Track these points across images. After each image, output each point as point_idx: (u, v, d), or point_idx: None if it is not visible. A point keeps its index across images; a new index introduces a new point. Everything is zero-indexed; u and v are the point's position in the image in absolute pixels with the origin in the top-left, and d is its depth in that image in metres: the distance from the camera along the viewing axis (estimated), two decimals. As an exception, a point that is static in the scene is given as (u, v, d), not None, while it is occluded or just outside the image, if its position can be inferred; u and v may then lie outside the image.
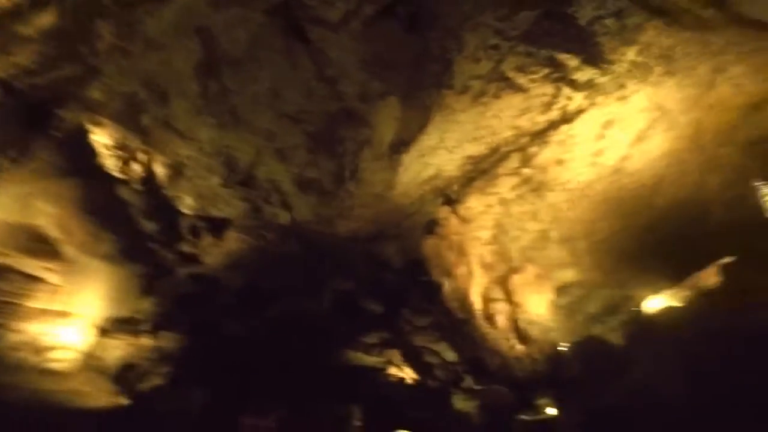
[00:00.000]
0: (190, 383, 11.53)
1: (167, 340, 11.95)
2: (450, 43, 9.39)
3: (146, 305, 11.39)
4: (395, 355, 11.91)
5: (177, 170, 10.84)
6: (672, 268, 12.92)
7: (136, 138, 10.03)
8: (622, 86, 10.04)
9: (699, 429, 6.87)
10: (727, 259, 10.47)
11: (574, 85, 10.06)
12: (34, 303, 9.44)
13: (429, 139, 11.37)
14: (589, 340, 12.53)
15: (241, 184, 11.70)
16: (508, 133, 11.44)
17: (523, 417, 11.80)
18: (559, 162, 11.67)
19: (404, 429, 11.16)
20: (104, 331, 10.44)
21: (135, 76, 8.97)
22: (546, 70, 9.85)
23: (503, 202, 12.49)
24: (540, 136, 11.36)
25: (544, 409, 12.16)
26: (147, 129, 9.90)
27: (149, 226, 11.14)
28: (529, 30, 8.91)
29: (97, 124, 9.50)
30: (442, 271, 12.85)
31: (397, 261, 13.74)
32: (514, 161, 11.80)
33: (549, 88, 10.29)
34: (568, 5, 8.16)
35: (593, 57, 9.10)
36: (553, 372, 12.65)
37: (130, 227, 10.74)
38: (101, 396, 10.06)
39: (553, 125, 11.11)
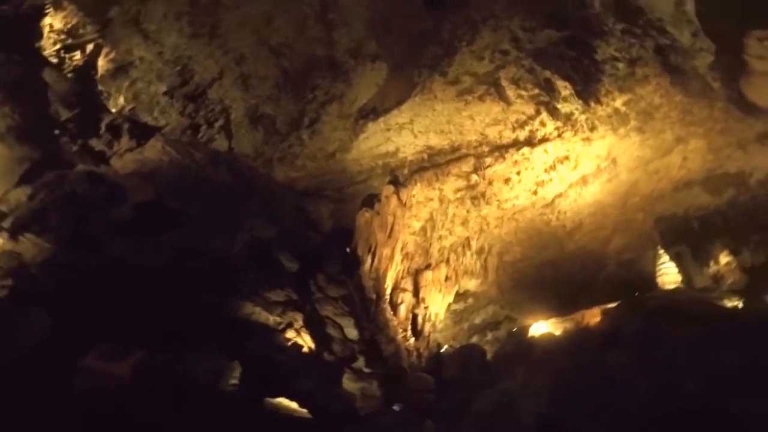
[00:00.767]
0: (32, 306, 9.24)
1: (27, 247, 9.72)
2: (464, 33, 9.03)
3: (18, 196, 9.23)
4: (297, 319, 11.13)
5: (122, 69, 9.67)
6: (557, 303, 14.12)
7: (93, 28, 8.55)
8: (593, 128, 10.47)
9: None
10: (611, 305, 11.50)
11: (554, 114, 10.28)
12: None
13: (400, 116, 10.90)
14: (472, 348, 13.06)
15: (187, 98, 10.32)
16: (473, 137, 11.39)
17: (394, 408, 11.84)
18: (507, 180, 11.91)
19: (286, 398, 10.25)
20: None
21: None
22: (536, 91, 9.92)
23: (443, 200, 12.46)
24: (500, 150, 11.47)
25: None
26: (110, 22, 8.52)
27: (63, 113, 9.36)
28: (544, 48, 8.88)
29: (58, 6, 7.76)
30: (367, 247, 12.47)
31: (327, 224, 13.10)
32: (468, 165, 11.78)
33: (531, 109, 10.41)
34: (596, 37, 8.22)
35: (588, 93, 9.34)
36: (434, 370, 12.95)
37: (38, 110, 8.95)
38: None
39: (516, 144, 11.28)
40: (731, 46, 7.91)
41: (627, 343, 7.62)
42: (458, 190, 12.24)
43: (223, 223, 11.94)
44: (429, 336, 13.66)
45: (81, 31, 9.29)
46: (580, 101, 9.58)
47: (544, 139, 11.04)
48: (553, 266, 14.02)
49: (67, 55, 9.59)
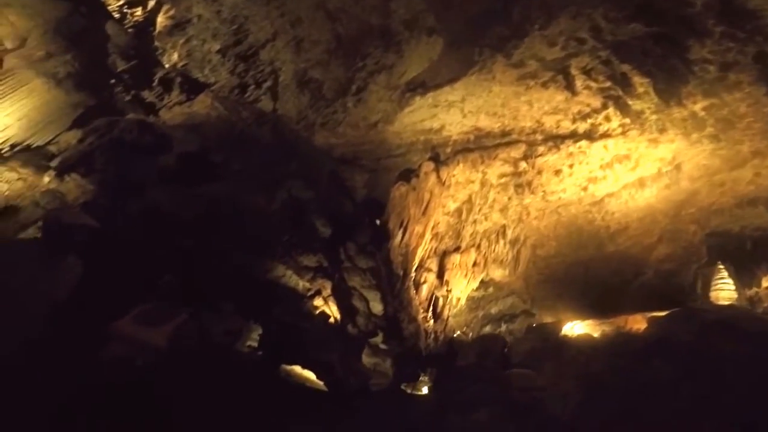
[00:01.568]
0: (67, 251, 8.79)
1: (71, 187, 9.59)
2: (538, 16, 7.95)
3: (68, 139, 9.04)
4: (326, 287, 10.74)
5: (180, 26, 9.51)
6: (583, 304, 13.38)
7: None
8: (663, 130, 9.40)
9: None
10: (658, 313, 10.78)
11: (623, 109, 9.21)
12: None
13: (452, 93, 9.99)
14: (495, 338, 12.57)
15: (239, 57, 9.82)
16: (528, 123, 10.42)
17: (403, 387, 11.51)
18: (557, 172, 10.99)
19: (303, 368, 9.93)
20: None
21: None
22: (608, 83, 8.85)
23: (485, 183, 11.65)
24: (555, 140, 10.49)
25: (423, 386, 12.02)
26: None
27: (120, 64, 9.32)
28: (627, 41, 7.77)
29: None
30: (399, 221, 11.88)
31: (360, 194, 12.50)
32: (517, 151, 10.86)
33: (597, 101, 9.35)
34: (690, 36, 7.10)
35: (668, 93, 8.24)
36: (448, 355, 12.58)
37: (97, 60, 8.87)
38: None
39: (575, 136, 10.27)
40: None
41: (675, 352, 7.06)
42: (503, 175, 11.40)
43: (263, 181, 11.50)
44: (447, 320, 13.24)
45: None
46: (658, 100, 8.49)
47: (606, 135, 10.01)
48: (586, 266, 13.20)
49: (129, 11, 9.71)
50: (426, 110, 10.50)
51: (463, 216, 12.33)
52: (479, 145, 11.18)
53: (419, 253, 12.34)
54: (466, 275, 12.83)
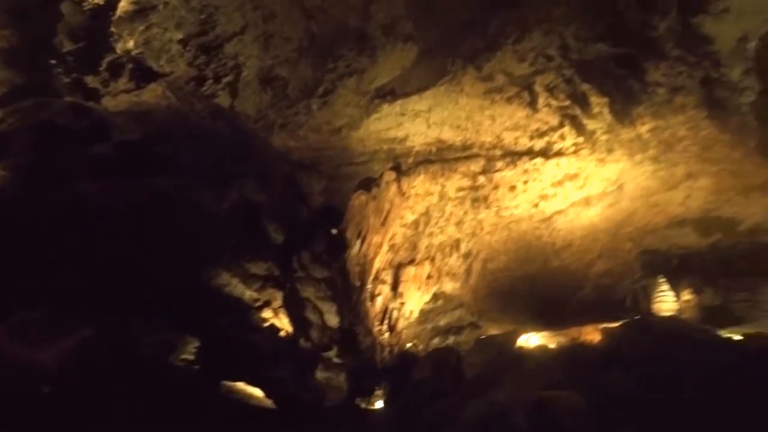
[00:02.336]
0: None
1: None
2: (513, 30, 8.31)
3: None
4: (277, 297, 10.10)
5: (143, 12, 8.93)
6: (526, 317, 13.84)
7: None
8: (611, 150, 10.04)
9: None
10: (610, 324, 11.23)
11: (579, 129, 9.76)
12: None
13: (420, 103, 10.10)
14: (448, 351, 12.49)
15: (201, 48, 9.32)
16: (488, 138, 10.75)
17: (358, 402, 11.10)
18: (512, 188, 11.36)
19: (251, 385, 9.05)
20: None
21: None
22: (568, 102, 9.36)
23: (443, 196, 11.78)
24: (513, 156, 10.90)
25: (377, 400, 11.66)
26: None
27: (67, 45, 8.73)
28: (591, 61, 8.30)
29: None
30: (357, 230, 11.64)
31: (316, 201, 12.13)
32: (477, 165, 11.14)
33: (555, 119, 9.85)
34: (649, 59, 7.72)
35: (621, 114, 8.86)
36: (402, 368, 12.32)
37: (41, 38, 8.24)
38: None
39: (531, 153, 10.72)
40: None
41: (634, 362, 7.29)
42: (461, 189, 11.59)
43: (213, 178, 10.66)
44: (401, 333, 13.05)
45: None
46: (611, 120, 9.09)
47: (559, 153, 10.53)
48: (531, 281, 13.66)
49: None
50: (393, 118, 10.51)
51: (420, 228, 12.35)
52: (440, 158, 11.35)
53: (376, 265, 12.14)
54: (420, 288, 12.77)
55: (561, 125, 9.93)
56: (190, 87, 9.74)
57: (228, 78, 9.88)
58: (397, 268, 12.80)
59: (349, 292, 11.54)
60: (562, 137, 10.15)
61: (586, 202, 11.43)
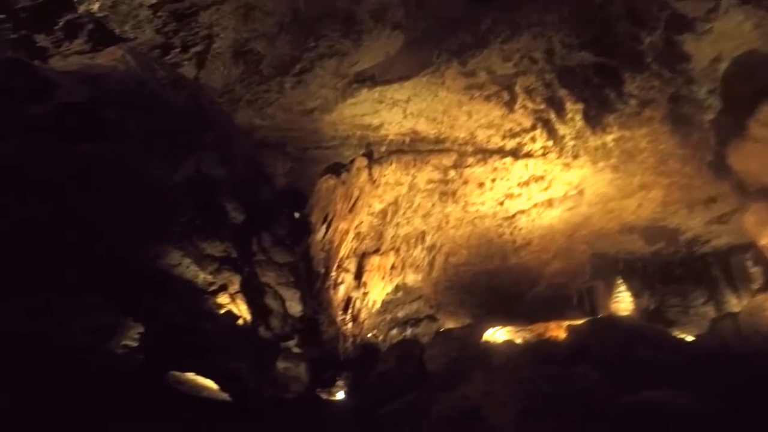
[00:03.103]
0: None
1: None
2: (503, 30, 8.34)
3: None
4: (234, 282, 9.46)
5: None
6: (482, 312, 14.14)
7: None
8: (576, 156, 10.37)
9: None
10: (578, 321, 11.58)
11: (550, 132, 10.00)
12: None
13: (399, 92, 9.96)
14: (412, 343, 12.47)
15: (173, 15, 8.54)
16: (461, 134, 10.79)
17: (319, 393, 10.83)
18: (481, 185, 11.50)
19: (203, 376, 8.37)
20: None
21: None
22: (543, 106, 9.56)
23: (413, 187, 11.75)
24: (484, 153, 11.03)
25: (338, 391, 11.48)
26: None
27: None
28: (572, 68, 8.49)
29: None
30: (323, 215, 11.37)
31: (280, 182, 11.71)
32: (449, 160, 11.18)
33: (528, 121, 10.04)
34: (629, 71, 7.99)
35: (593, 120, 9.13)
36: (364, 359, 12.18)
37: None
38: None
39: (502, 152, 10.89)
40: (735, 110, 8.12)
41: (602, 358, 7.57)
42: (431, 181, 11.60)
43: (168, 147, 9.83)
44: (363, 323, 12.92)
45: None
46: (582, 125, 9.37)
47: (528, 154, 10.76)
48: (489, 276, 13.96)
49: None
50: (369, 105, 10.31)
51: (388, 218, 12.27)
52: (413, 148, 11.29)
53: (341, 252, 11.94)
54: (383, 278, 12.70)
55: (533, 128, 10.12)
56: (154, 53, 9.04)
57: (197, 48, 9.19)
58: (362, 257, 12.66)
59: (312, 279, 11.27)
60: (533, 139, 10.36)
61: (549, 203, 11.77)
